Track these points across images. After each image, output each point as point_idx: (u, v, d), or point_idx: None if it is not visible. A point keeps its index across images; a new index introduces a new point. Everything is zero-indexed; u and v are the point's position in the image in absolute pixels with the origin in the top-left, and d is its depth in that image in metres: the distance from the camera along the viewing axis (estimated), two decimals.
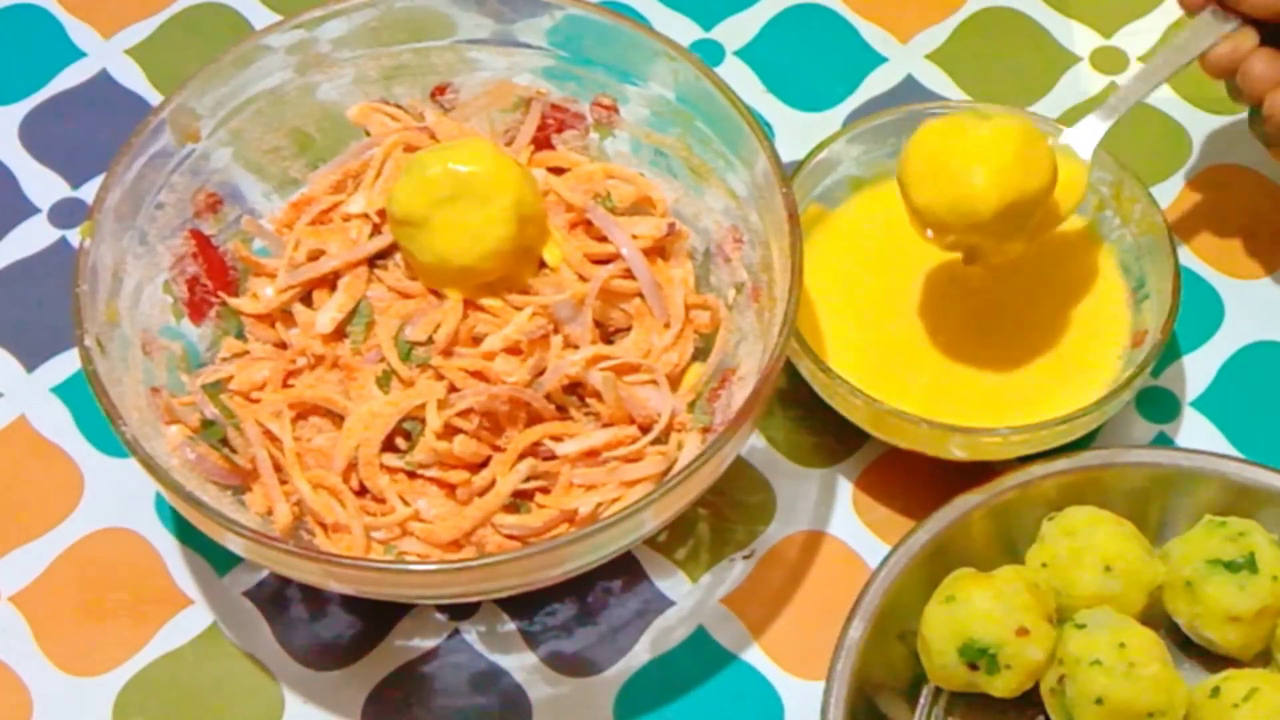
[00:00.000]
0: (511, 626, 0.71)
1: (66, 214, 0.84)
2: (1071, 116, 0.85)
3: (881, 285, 0.76)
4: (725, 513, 0.74)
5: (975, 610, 0.64)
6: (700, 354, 0.73)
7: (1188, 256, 0.81)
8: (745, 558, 0.73)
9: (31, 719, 0.69)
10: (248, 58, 0.73)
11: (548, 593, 0.71)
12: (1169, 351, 0.78)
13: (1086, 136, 0.73)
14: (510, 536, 0.68)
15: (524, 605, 0.71)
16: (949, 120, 0.69)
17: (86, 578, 0.73)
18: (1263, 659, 0.67)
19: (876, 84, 0.88)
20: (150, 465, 0.63)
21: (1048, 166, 0.68)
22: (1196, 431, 0.76)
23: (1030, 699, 0.65)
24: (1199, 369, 0.78)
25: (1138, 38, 0.90)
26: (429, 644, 0.71)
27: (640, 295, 0.72)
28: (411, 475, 0.69)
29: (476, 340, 0.71)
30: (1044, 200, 0.69)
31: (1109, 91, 0.88)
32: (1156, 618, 0.67)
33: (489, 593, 0.68)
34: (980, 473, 0.70)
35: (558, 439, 0.69)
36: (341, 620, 0.71)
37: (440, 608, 0.71)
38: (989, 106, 0.71)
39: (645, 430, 0.70)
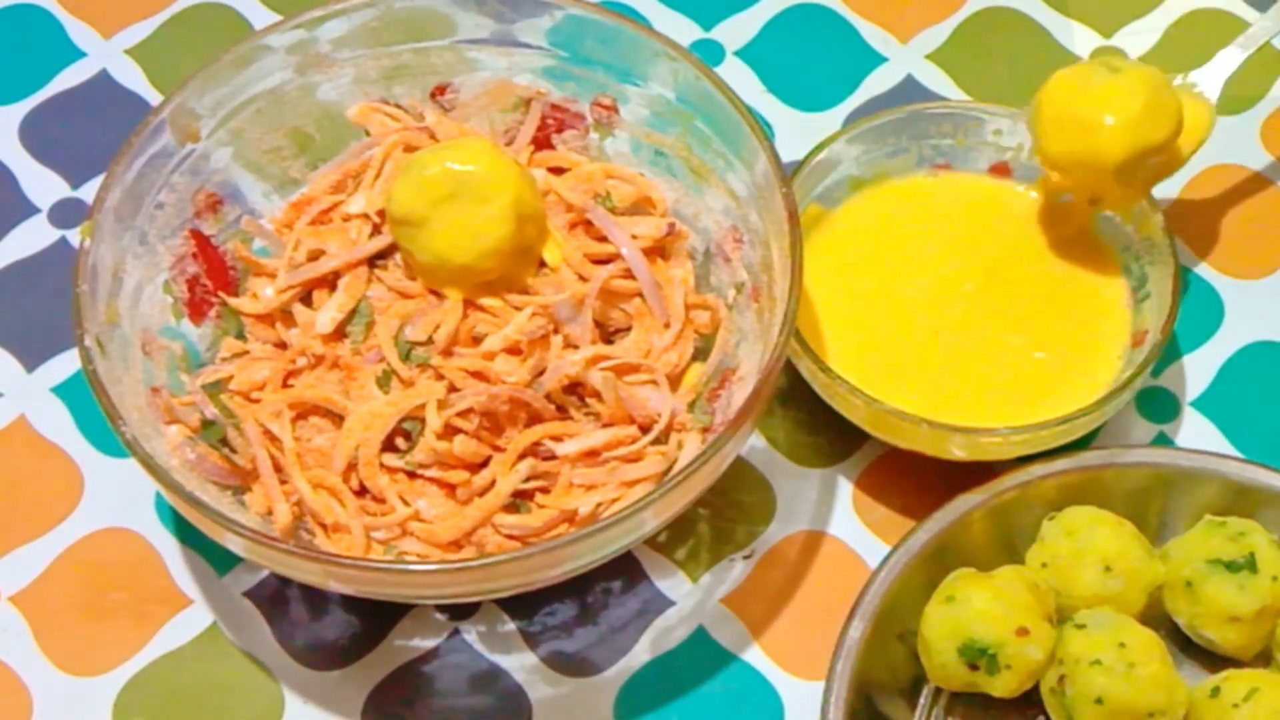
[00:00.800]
0: (511, 626, 0.71)
1: (66, 214, 0.84)
2: None
3: (881, 285, 0.76)
4: (725, 513, 0.74)
5: (975, 610, 0.64)
6: (700, 354, 0.73)
7: (1188, 256, 0.81)
8: (745, 558, 0.73)
9: (31, 719, 0.69)
10: (248, 58, 0.73)
11: (548, 593, 0.71)
12: (1169, 351, 0.78)
13: (1216, 73, 0.75)
14: (510, 536, 0.68)
15: (524, 605, 0.71)
16: (1079, 70, 0.72)
17: (86, 578, 0.73)
18: (1263, 659, 0.67)
19: (876, 84, 0.88)
20: (150, 465, 0.63)
21: (1174, 116, 0.71)
22: (1196, 431, 0.76)
23: (1030, 699, 0.66)
24: (1199, 369, 0.78)
25: (1138, 38, 0.90)
26: (429, 644, 0.71)
27: (640, 295, 0.72)
28: (411, 475, 0.69)
29: (476, 340, 0.71)
30: (1169, 147, 0.72)
31: None
32: (1156, 618, 0.67)
33: (489, 593, 0.68)
34: (980, 473, 0.70)
35: (558, 439, 0.69)
36: (341, 620, 0.71)
37: (440, 608, 0.71)
38: (1117, 59, 0.74)
39: (645, 430, 0.70)
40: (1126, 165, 0.71)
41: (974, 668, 0.64)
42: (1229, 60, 0.75)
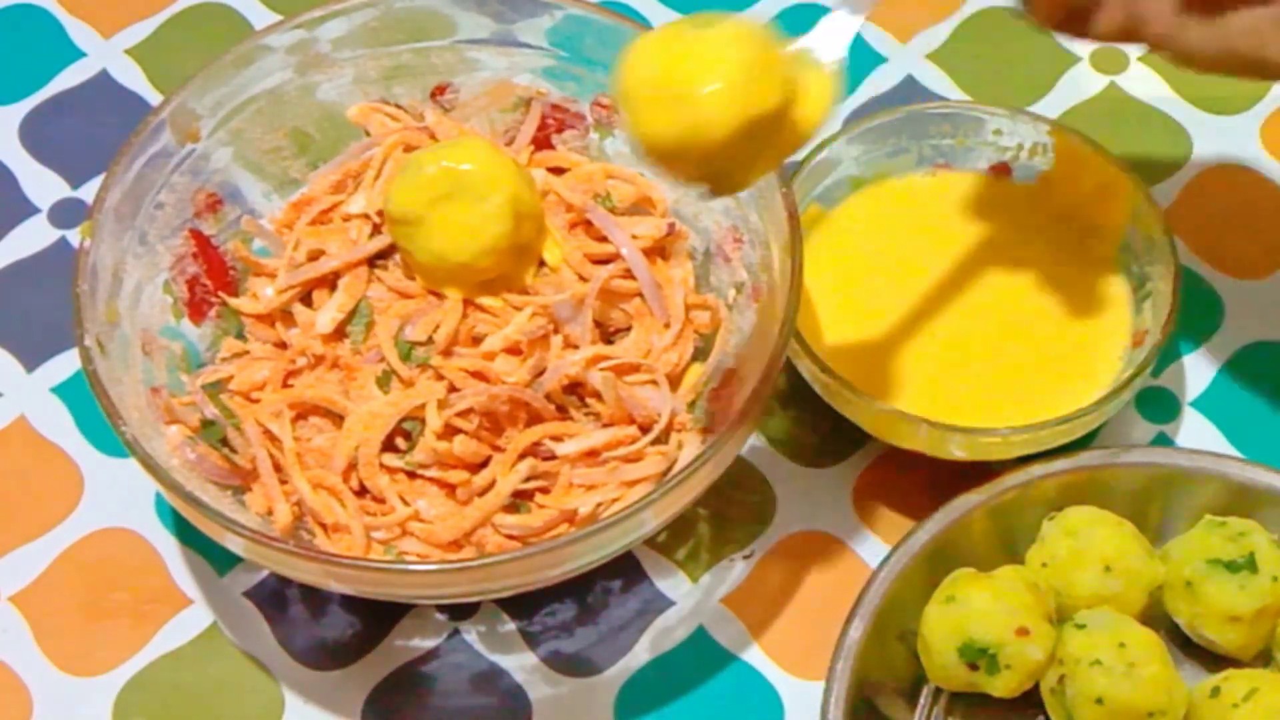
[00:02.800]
0: (511, 626, 0.71)
1: (66, 214, 0.84)
2: (1072, 117, 0.86)
3: (881, 285, 0.76)
4: (725, 513, 0.74)
5: (975, 610, 0.64)
6: (700, 354, 0.73)
7: (1188, 256, 0.81)
8: (745, 558, 0.73)
9: (31, 719, 0.69)
10: (248, 58, 0.73)
11: (548, 593, 0.71)
12: (1169, 351, 0.78)
13: (833, 37, 0.62)
14: (510, 536, 0.68)
15: (524, 605, 0.71)
16: (664, 32, 0.59)
17: (86, 578, 0.73)
18: (1263, 659, 0.67)
19: (876, 84, 0.88)
20: (150, 465, 0.63)
21: (780, 76, 0.59)
22: (1196, 431, 0.76)
23: (1030, 699, 0.65)
24: (1199, 369, 0.78)
25: None
26: (429, 644, 0.71)
27: (640, 295, 0.72)
28: (411, 475, 0.69)
29: (476, 340, 0.71)
30: (784, 119, 0.59)
31: (1109, 92, 0.88)
32: (1156, 618, 0.67)
33: (489, 593, 0.68)
34: (980, 473, 0.70)
35: (558, 439, 0.69)
36: (341, 620, 0.71)
37: (440, 608, 0.71)
38: (708, 14, 0.60)
39: (645, 430, 0.70)
40: (734, 140, 0.57)
41: (974, 668, 0.64)
42: (844, 24, 0.62)
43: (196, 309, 0.74)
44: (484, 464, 0.69)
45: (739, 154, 0.58)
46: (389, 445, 0.69)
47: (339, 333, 0.72)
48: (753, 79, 0.57)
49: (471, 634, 0.71)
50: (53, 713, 0.69)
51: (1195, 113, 0.86)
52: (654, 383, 0.71)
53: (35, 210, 0.84)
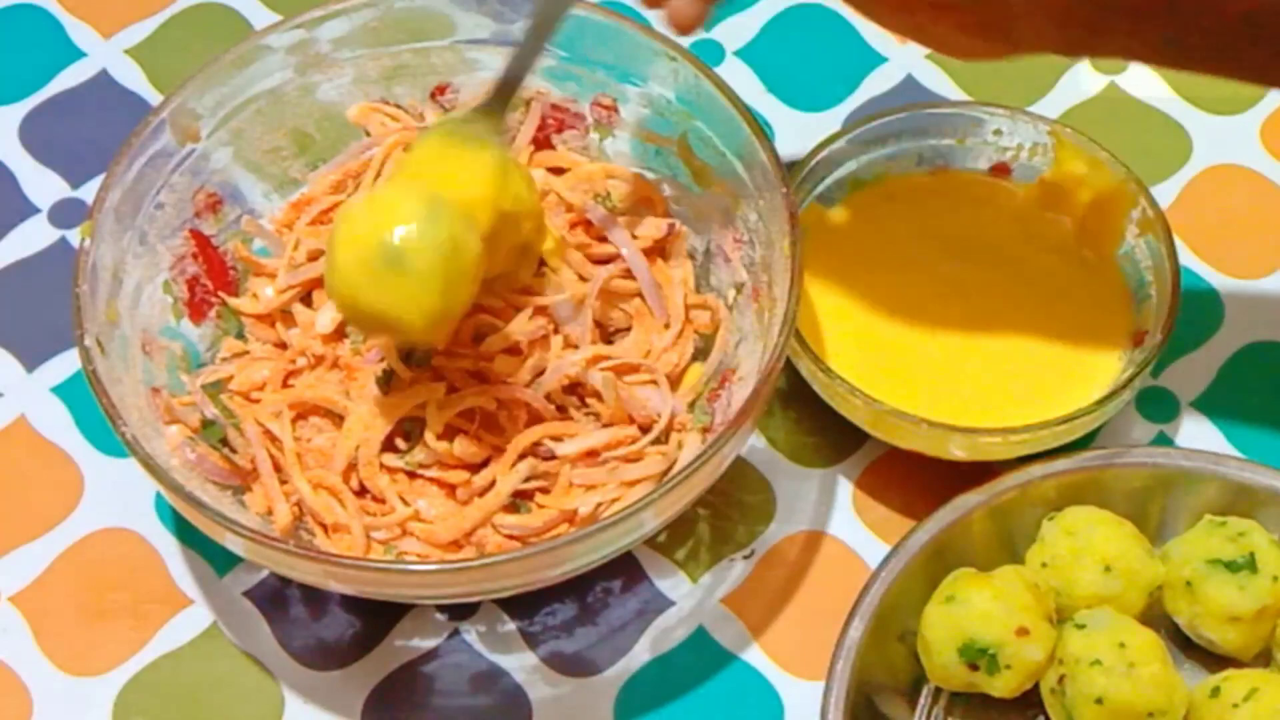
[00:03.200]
0: (511, 626, 0.71)
1: (66, 214, 0.84)
2: (1072, 117, 0.86)
3: (881, 285, 0.76)
4: (725, 513, 0.74)
5: (975, 610, 0.64)
6: (700, 354, 0.73)
7: (1188, 256, 0.81)
8: (745, 558, 0.73)
9: (31, 719, 0.69)
10: (248, 58, 0.73)
11: (548, 593, 0.71)
12: (1169, 351, 0.78)
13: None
14: (510, 536, 0.68)
15: (524, 605, 0.71)
16: (357, 257, 0.63)
17: (86, 578, 0.73)
18: (1263, 659, 0.67)
19: (876, 84, 0.88)
20: (150, 465, 0.63)
21: (473, 269, 0.64)
22: (1196, 431, 0.76)
23: (1030, 699, 0.66)
24: (1199, 369, 0.78)
25: None
26: (429, 644, 0.71)
27: (640, 295, 0.72)
28: (411, 475, 0.69)
29: (476, 340, 0.71)
30: (479, 274, 0.65)
31: (1109, 92, 0.88)
32: (1156, 618, 0.67)
33: (489, 593, 0.68)
34: (980, 473, 0.70)
35: (558, 439, 0.69)
36: (341, 620, 0.71)
37: (440, 608, 0.71)
38: (412, 183, 0.65)
39: (645, 430, 0.70)
40: (437, 324, 0.64)
41: (974, 668, 0.64)
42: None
43: (196, 309, 0.74)
44: (484, 464, 0.69)
45: (445, 323, 0.66)
46: (389, 445, 0.69)
47: (339, 333, 0.72)
48: (446, 305, 0.64)
49: (471, 634, 0.71)
50: (53, 713, 0.69)
51: (1195, 113, 0.86)
52: (654, 383, 0.71)
53: (35, 210, 0.84)
